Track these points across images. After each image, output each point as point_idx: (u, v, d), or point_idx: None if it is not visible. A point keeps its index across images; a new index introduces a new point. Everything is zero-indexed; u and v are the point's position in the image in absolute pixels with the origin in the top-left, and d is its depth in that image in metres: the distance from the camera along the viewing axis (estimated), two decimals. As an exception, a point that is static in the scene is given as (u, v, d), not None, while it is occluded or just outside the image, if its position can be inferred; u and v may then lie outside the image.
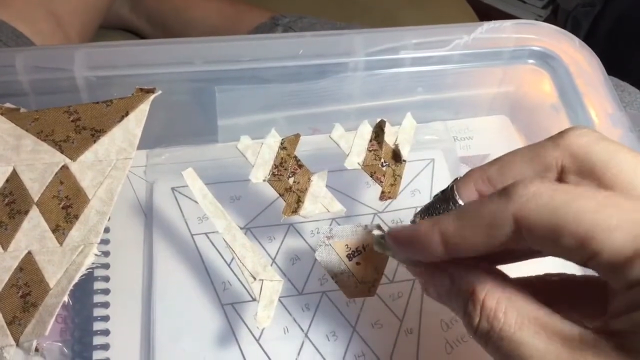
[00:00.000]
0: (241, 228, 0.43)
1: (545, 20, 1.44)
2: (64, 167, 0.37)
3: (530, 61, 0.47)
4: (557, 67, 0.45)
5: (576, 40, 0.46)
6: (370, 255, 0.38)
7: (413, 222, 0.33)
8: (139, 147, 0.44)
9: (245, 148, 0.40)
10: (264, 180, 0.39)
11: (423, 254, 0.29)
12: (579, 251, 0.24)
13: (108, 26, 0.83)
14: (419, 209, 0.33)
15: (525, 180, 0.26)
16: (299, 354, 0.38)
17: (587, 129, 0.29)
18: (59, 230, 0.35)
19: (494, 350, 0.26)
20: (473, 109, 0.50)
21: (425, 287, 0.31)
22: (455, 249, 0.27)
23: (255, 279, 0.36)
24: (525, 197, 0.25)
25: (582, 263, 0.24)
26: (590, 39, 0.80)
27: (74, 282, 0.33)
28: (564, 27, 0.48)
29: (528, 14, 1.48)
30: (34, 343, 0.32)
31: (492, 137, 0.50)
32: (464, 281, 0.28)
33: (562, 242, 0.24)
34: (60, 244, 0.35)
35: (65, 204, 0.36)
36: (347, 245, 0.38)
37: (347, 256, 0.38)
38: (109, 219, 0.43)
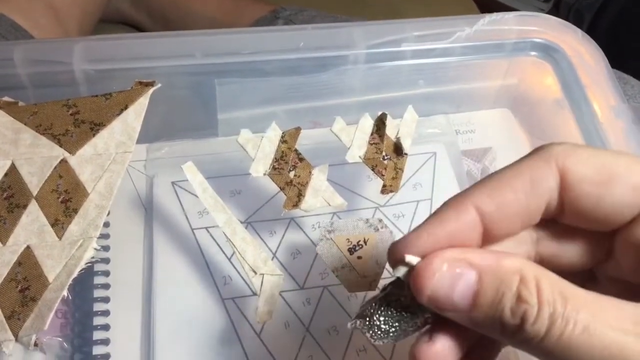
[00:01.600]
0: (242, 222, 0.43)
1: (548, 14, 1.43)
2: (63, 161, 0.37)
3: (533, 53, 0.46)
4: (559, 59, 0.45)
5: (579, 33, 0.46)
6: (372, 249, 0.37)
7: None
8: (139, 141, 0.44)
9: (245, 142, 0.40)
10: (265, 174, 0.39)
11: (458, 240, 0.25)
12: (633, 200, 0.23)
13: (108, 20, 0.83)
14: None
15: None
16: (300, 348, 0.38)
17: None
18: (58, 224, 0.35)
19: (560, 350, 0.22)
20: (475, 102, 0.50)
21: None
22: (494, 226, 0.25)
23: (255, 273, 0.36)
24: (569, 148, 0.24)
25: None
26: (592, 31, 0.80)
27: (73, 277, 0.33)
28: (566, 20, 0.48)
29: (530, 7, 1.47)
30: (33, 337, 0.31)
31: (494, 131, 0.49)
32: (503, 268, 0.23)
33: (614, 192, 0.24)
34: (60, 238, 0.35)
35: (64, 198, 0.36)
36: (348, 239, 0.37)
37: (348, 250, 0.37)
38: (109, 213, 0.43)
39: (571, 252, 0.27)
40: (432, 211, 0.43)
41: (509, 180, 0.25)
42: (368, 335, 0.26)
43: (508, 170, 0.25)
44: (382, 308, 0.26)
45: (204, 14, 0.81)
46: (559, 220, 0.26)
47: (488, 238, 0.26)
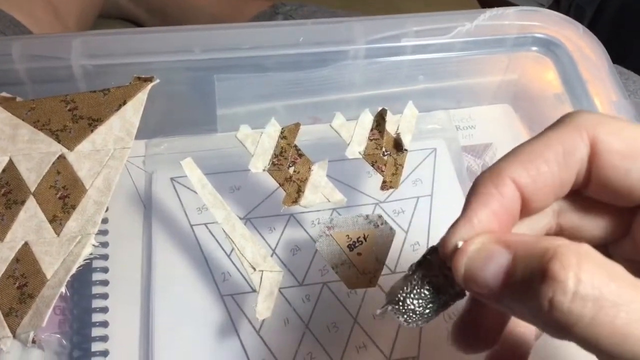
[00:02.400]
0: (241, 218, 0.43)
1: (548, 9, 1.42)
2: (61, 157, 0.37)
3: (534, 49, 0.46)
4: (560, 54, 0.45)
5: (580, 28, 0.45)
6: (372, 246, 0.37)
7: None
8: (138, 137, 0.44)
9: (244, 137, 0.40)
10: (264, 170, 0.39)
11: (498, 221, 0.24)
12: None
13: (107, 15, 0.82)
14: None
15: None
16: (299, 345, 0.37)
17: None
18: (56, 220, 0.35)
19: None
20: (476, 98, 0.49)
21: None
22: (530, 199, 0.24)
23: (255, 269, 0.36)
24: (599, 118, 0.24)
25: None
26: (593, 27, 0.80)
27: (71, 273, 0.33)
28: (567, 15, 0.47)
29: (530, 2, 1.46)
30: (31, 334, 0.31)
31: (494, 126, 0.49)
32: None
33: None
34: (58, 234, 0.34)
35: (63, 194, 0.36)
36: (348, 235, 0.37)
37: (348, 247, 0.37)
38: (107, 209, 0.42)
39: (591, 225, 0.27)
40: (432, 207, 0.43)
41: (541, 152, 0.24)
42: (402, 319, 0.25)
43: (538, 141, 0.25)
44: (415, 291, 0.26)
45: (203, 9, 0.81)
46: (583, 192, 0.26)
47: (523, 213, 0.25)
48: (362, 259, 0.37)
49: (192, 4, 0.80)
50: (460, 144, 0.47)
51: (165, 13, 0.82)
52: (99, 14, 0.79)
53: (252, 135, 0.40)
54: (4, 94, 0.40)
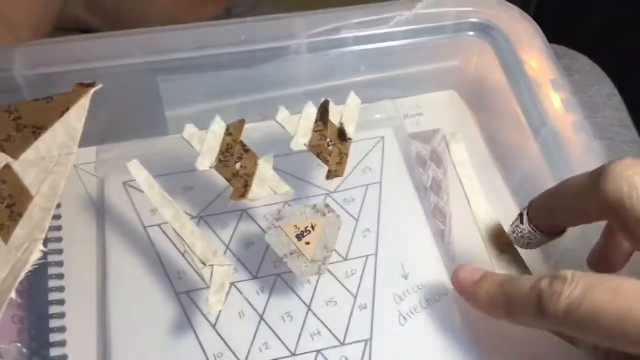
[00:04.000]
0: (195, 217, 0.43)
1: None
2: (6, 167, 0.37)
3: (471, 34, 0.47)
4: (497, 37, 0.46)
5: (516, 10, 0.47)
6: (320, 234, 0.38)
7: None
8: (89, 144, 0.44)
9: (191, 137, 0.40)
10: (211, 168, 0.39)
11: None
12: None
13: (63, 27, 0.82)
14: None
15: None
16: (255, 336, 0.38)
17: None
18: (4, 229, 0.35)
19: None
20: (421, 86, 0.50)
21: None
22: None
23: (205, 265, 0.36)
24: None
25: None
26: (542, 8, 0.81)
27: (19, 280, 0.33)
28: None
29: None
30: (-18, 342, 0.32)
31: (442, 113, 0.50)
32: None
33: None
34: (6, 242, 0.35)
35: (9, 203, 0.36)
36: (296, 225, 0.38)
37: (296, 237, 0.38)
38: (61, 217, 0.43)
39: None
40: (382, 194, 0.44)
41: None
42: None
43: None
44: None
45: (159, 15, 0.81)
46: None
47: None
48: (311, 247, 0.38)
49: (147, 12, 0.80)
50: (407, 131, 0.48)
51: (121, 22, 0.82)
52: (56, 26, 0.79)
53: (198, 134, 0.40)
54: (-52, 108, 0.40)
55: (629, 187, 0.27)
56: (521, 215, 0.37)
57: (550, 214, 0.34)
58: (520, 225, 0.37)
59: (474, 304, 0.34)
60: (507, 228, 0.40)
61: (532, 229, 0.36)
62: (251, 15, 0.71)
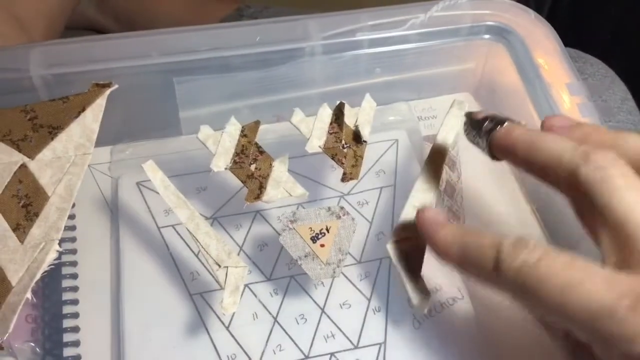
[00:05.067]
0: (208, 218, 0.43)
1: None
2: (23, 166, 0.37)
3: (487, 37, 0.47)
4: (513, 41, 0.46)
5: (531, 13, 0.46)
6: (334, 237, 0.38)
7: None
8: (103, 144, 0.44)
9: (206, 138, 0.40)
10: (226, 169, 0.39)
11: None
12: None
13: (74, 27, 0.82)
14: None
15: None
16: (268, 338, 0.38)
17: None
18: (20, 228, 0.35)
19: None
20: (436, 88, 0.50)
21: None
22: None
23: (220, 266, 0.36)
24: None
25: None
26: (554, 14, 0.81)
27: (36, 279, 0.34)
28: (527, 3, 0.48)
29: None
30: (-1, 341, 0.32)
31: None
32: None
33: None
34: (22, 242, 0.35)
35: (25, 203, 0.36)
36: (310, 228, 0.38)
37: (311, 239, 0.38)
38: (75, 217, 0.43)
39: None
40: (395, 197, 0.44)
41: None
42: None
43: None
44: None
45: (170, 15, 0.81)
46: None
47: None
48: (326, 250, 0.38)
49: (158, 12, 0.81)
50: (422, 133, 0.48)
51: (132, 22, 0.82)
52: (67, 26, 0.80)
53: (213, 135, 0.40)
54: (-36, 107, 0.40)
55: (607, 186, 0.27)
56: (481, 128, 0.35)
57: (511, 154, 0.33)
58: (477, 138, 0.35)
59: (430, 245, 0.33)
60: None
61: (486, 146, 0.34)
62: (262, 16, 0.72)
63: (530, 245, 0.27)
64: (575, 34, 0.48)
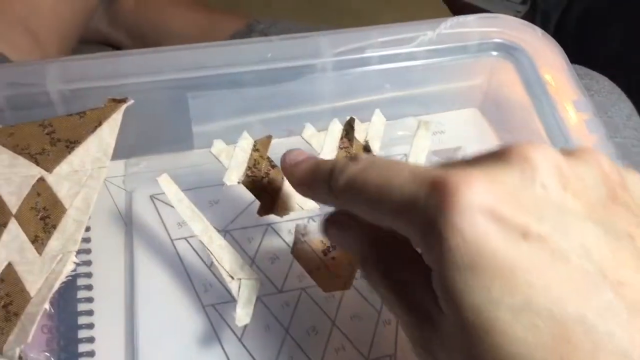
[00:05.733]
0: (220, 231, 0.44)
1: (524, 16, 1.45)
2: (41, 179, 0.38)
3: (495, 53, 0.48)
4: (520, 58, 0.47)
5: (538, 31, 0.47)
6: (345, 250, 0.39)
7: None
8: (117, 157, 0.45)
9: (219, 152, 0.41)
10: (238, 183, 0.40)
11: None
12: None
13: (87, 41, 0.84)
14: None
15: None
16: (280, 350, 0.39)
17: None
18: (38, 240, 0.36)
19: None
20: (444, 104, 0.51)
21: None
22: None
23: (233, 278, 0.37)
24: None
25: None
26: (560, 30, 0.82)
27: (54, 290, 0.34)
28: (533, 20, 0.49)
29: (507, 10, 1.49)
30: (17, 351, 0.32)
31: (463, 130, 0.51)
32: None
33: None
34: (40, 254, 0.36)
35: (43, 215, 0.37)
36: (322, 241, 0.39)
37: (322, 252, 0.38)
38: (89, 229, 0.44)
39: None
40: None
41: None
42: None
43: None
44: None
45: (181, 31, 0.82)
46: None
47: None
48: (337, 263, 0.38)
49: (169, 28, 0.82)
50: (430, 148, 0.48)
51: (144, 37, 0.84)
52: (80, 40, 0.81)
53: (226, 149, 0.41)
54: (-17, 121, 0.41)
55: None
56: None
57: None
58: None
59: (290, 181, 0.35)
60: None
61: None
62: (272, 31, 0.73)
63: (359, 159, 0.29)
64: (581, 50, 0.48)
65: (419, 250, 0.27)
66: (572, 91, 0.44)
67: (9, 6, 0.71)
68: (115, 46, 0.86)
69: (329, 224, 0.33)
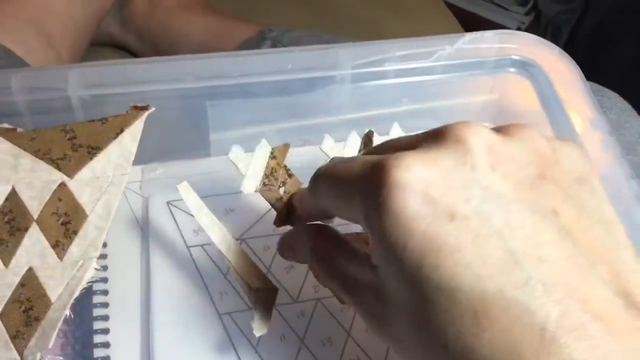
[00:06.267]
0: (236, 239, 0.44)
1: (528, 27, 1.46)
2: (62, 185, 0.38)
3: (512, 70, 0.48)
4: (537, 75, 0.47)
5: (556, 49, 0.48)
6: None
7: None
8: (134, 163, 0.45)
9: (236, 159, 0.41)
10: (255, 191, 0.41)
11: None
12: None
13: (98, 43, 0.84)
14: None
15: None
16: (295, 360, 0.39)
17: None
18: (59, 245, 0.36)
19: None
20: (459, 118, 0.50)
21: None
22: None
23: (250, 287, 0.37)
24: None
25: None
26: (570, 45, 0.82)
27: (75, 296, 0.35)
28: (544, 34, 0.50)
29: (511, 20, 1.50)
30: (38, 356, 0.33)
31: (478, 144, 0.51)
32: None
33: None
34: (61, 259, 0.36)
35: (64, 220, 0.37)
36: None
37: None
38: (107, 234, 0.44)
39: None
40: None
41: None
42: None
43: None
44: None
45: (192, 36, 0.83)
46: None
47: None
48: None
49: (180, 33, 0.82)
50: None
51: (154, 41, 0.84)
52: (91, 42, 0.81)
53: (243, 157, 0.41)
54: (4, 125, 0.41)
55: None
56: None
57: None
58: None
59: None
60: None
61: None
62: (285, 39, 0.73)
63: (334, 160, 0.31)
64: (592, 66, 0.49)
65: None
66: (588, 109, 0.45)
67: (23, 8, 0.71)
68: (125, 48, 0.86)
69: (281, 246, 0.38)
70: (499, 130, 0.28)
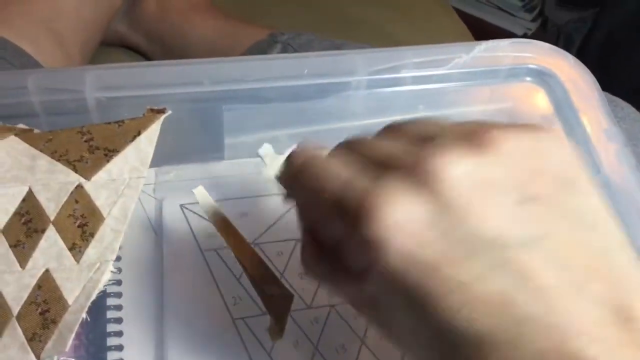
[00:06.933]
0: (250, 244, 0.44)
1: (534, 33, 1.47)
2: (79, 187, 0.38)
3: (528, 79, 0.48)
4: (553, 84, 0.47)
5: (571, 58, 0.48)
6: None
7: None
8: (149, 166, 0.45)
9: (265, 154, 0.41)
10: (275, 177, 0.40)
11: None
12: None
13: (108, 43, 0.84)
14: None
15: None
16: (309, 366, 0.39)
17: None
18: (76, 248, 0.36)
19: None
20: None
21: None
22: None
23: (266, 293, 0.37)
24: None
25: None
26: (582, 54, 0.83)
27: (92, 299, 0.34)
28: (555, 42, 0.50)
29: (517, 27, 1.50)
30: (55, 359, 0.33)
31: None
32: None
33: None
34: (77, 261, 0.36)
35: (81, 223, 0.37)
36: None
37: None
38: (121, 236, 0.44)
39: None
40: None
41: None
42: None
43: None
44: None
45: (201, 37, 0.83)
46: None
47: None
48: None
49: (189, 34, 0.82)
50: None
51: (163, 42, 0.84)
52: (101, 42, 0.81)
53: (272, 154, 0.41)
54: (21, 125, 0.41)
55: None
56: None
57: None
58: None
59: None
60: None
61: None
62: (296, 42, 0.73)
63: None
64: (604, 76, 0.49)
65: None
66: (603, 120, 0.45)
67: (33, 7, 0.71)
68: (134, 48, 0.86)
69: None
70: (477, 144, 0.26)
